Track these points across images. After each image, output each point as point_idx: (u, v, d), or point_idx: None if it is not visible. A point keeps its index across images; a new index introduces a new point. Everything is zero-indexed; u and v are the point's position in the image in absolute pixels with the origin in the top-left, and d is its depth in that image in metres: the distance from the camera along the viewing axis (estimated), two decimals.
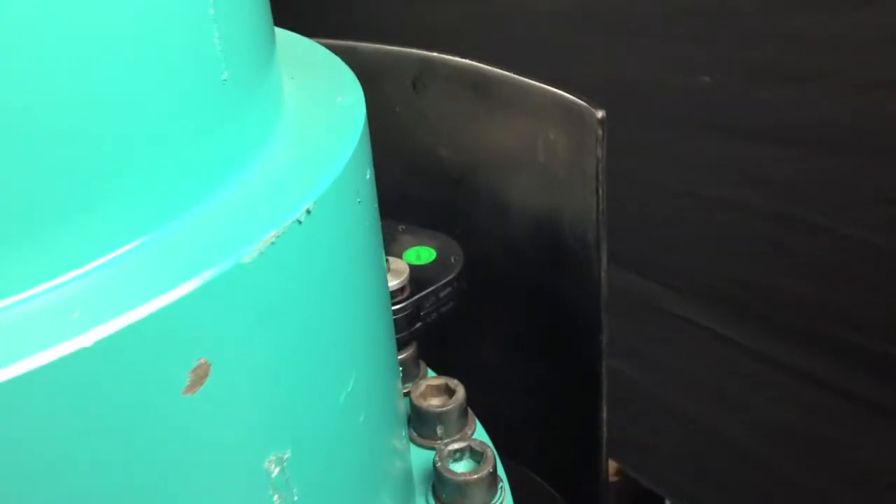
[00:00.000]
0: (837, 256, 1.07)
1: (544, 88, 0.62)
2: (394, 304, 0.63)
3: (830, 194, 1.05)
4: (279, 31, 0.53)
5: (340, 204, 0.38)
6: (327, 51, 0.51)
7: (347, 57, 0.77)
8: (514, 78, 0.65)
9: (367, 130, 0.45)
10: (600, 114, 0.58)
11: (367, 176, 0.42)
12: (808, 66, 0.97)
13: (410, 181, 0.77)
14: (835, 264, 1.08)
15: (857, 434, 1.15)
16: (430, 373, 0.69)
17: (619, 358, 1.37)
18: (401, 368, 0.67)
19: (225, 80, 0.35)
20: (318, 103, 0.43)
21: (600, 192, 0.60)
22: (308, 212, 0.35)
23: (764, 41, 0.99)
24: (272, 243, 0.33)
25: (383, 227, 0.73)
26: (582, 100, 0.59)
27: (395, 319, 0.63)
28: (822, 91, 0.98)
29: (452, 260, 0.67)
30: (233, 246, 0.32)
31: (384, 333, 0.48)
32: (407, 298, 0.64)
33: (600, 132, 0.58)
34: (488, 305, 0.77)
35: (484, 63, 0.67)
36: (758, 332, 1.20)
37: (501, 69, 0.66)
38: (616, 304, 1.35)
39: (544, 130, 0.64)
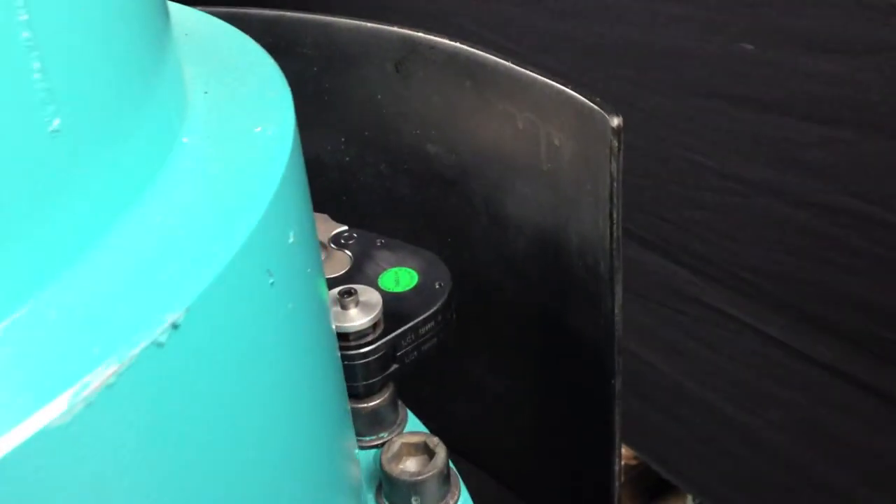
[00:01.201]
0: (888, 251, 0.95)
1: (548, 84, 0.50)
2: (363, 346, 0.52)
3: (882, 181, 0.93)
4: (204, 17, 0.42)
5: (236, 296, 0.27)
6: (257, 47, 0.40)
7: (320, 34, 0.65)
8: (512, 68, 0.53)
9: (297, 168, 0.33)
10: (616, 121, 0.46)
11: (290, 239, 0.31)
12: (863, 38, 0.83)
13: (396, 178, 0.66)
14: (884, 259, 0.96)
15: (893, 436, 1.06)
16: (411, 419, 0.58)
17: (640, 343, 1.27)
18: (369, 417, 0.56)
19: (55, 131, 0.24)
20: (228, 139, 0.32)
21: (615, 216, 0.49)
22: (175, 326, 0.24)
23: (814, 8, 0.85)
24: (108, 386, 0.22)
25: (359, 240, 0.63)
26: (594, 102, 0.48)
27: (364, 363, 0.53)
28: (877, 67, 0.85)
29: (437, 286, 0.56)
30: (39, 399, 0.21)
31: (322, 412, 0.37)
32: (380, 337, 0.53)
33: (616, 143, 0.46)
34: (488, 326, 0.66)
35: (478, 48, 0.55)
36: (791, 325, 1.09)
37: (498, 56, 0.54)
38: (640, 287, 1.25)
39: (548, 134, 0.52)
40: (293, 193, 0.32)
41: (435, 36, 0.57)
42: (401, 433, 0.57)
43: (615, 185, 0.48)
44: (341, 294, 0.52)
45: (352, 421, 0.48)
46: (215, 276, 0.26)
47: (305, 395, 0.34)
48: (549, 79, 0.50)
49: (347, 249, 0.59)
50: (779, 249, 1.05)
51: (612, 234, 0.49)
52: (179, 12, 0.44)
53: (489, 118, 0.56)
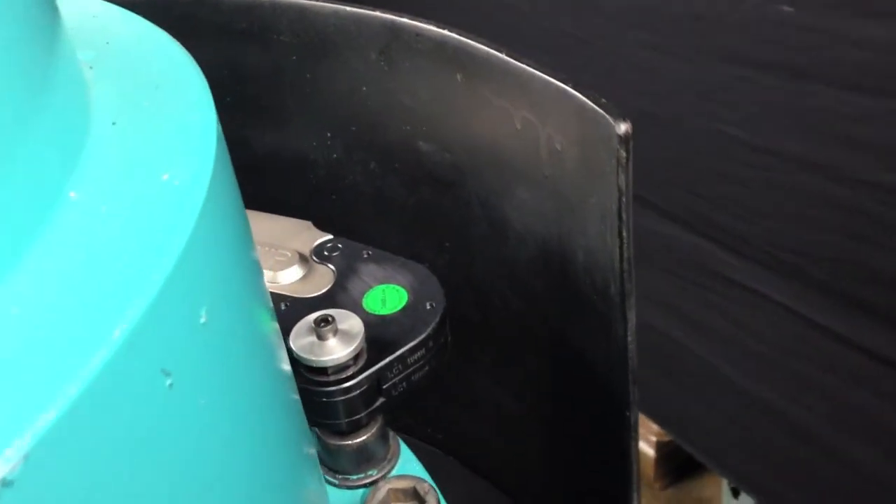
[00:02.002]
0: None
1: (547, 81, 0.43)
2: (343, 381, 0.46)
3: None
4: (135, 21, 0.35)
5: (109, 416, 0.21)
6: (188, 59, 0.33)
7: (296, 19, 0.59)
8: (506, 62, 0.46)
9: (217, 222, 0.27)
10: (623, 128, 0.39)
11: (202, 319, 0.25)
12: None
13: (387, 177, 0.60)
14: None
15: None
16: (404, 452, 0.53)
17: (668, 320, 1.20)
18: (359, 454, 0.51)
19: None
20: (127, 191, 0.26)
21: (625, 234, 0.42)
22: (3, 483, 0.18)
23: None
24: None
25: (343, 251, 0.57)
26: (598, 104, 0.40)
27: (346, 399, 0.47)
28: None
29: (428, 307, 0.50)
30: None
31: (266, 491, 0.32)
32: (362, 369, 0.47)
33: (623, 153, 0.40)
34: (491, 337, 0.60)
35: (469, 36, 0.48)
36: (828, 305, 1.01)
37: (490, 47, 0.47)
38: (667, 262, 1.18)
39: (548, 136, 0.45)
40: (209, 257, 0.26)
41: (421, 22, 0.50)
42: (390, 472, 0.51)
43: (624, 199, 0.41)
44: (318, 323, 0.46)
45: (316, 475, 0.42)
46: (72, 400, 0.20)
47: (237, 486, 0.28)
48: (548, 75, 0.43)
49: (331, 263, 0.53)
50: (816, 227, 0.97)
51: (622, 254, 0.42)
52: (107, 14, 0.37)
53: (484, 115, 0.49)
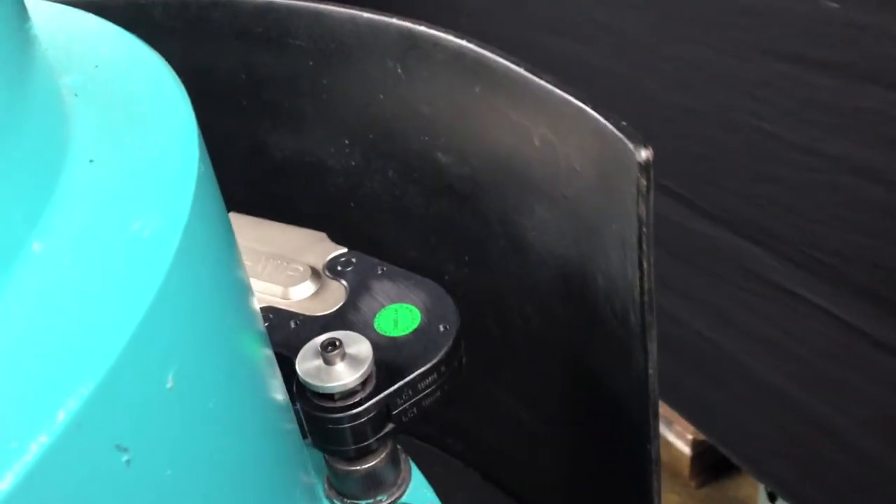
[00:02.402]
0: None
1: (565, 99, 0.41)
2: (351, 408, 0.45)
3: None
4: (126, 41, 0.34)
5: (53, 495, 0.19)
6: (175, 83, 0.31)
7: (313, 24, 0.57)
8: (525, 77, 0.43)
9: (190, 275, 0.25)
10: (644, 155, 0.37)
11: (168, 384, 0.23)
12: None
13: (405, 187, 0.58)
14: None
15: None
16: (415, 476, 0.51)
17: (704, 320, 1.17)
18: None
19: None
20: (94, 242, 0.24)
21: (645, 265, 0.39)
22: None
23: None
24: None
25: (357, 267, 0.55)
26: (619, 127, 0.38)
27: (353, 427, 0.45)
28: None
29: (441, 329, 0.48)
30: None
31: None
32: (371, 395, 0.45)
33: (644, 182, 0.37)
34: (511, 353, 0.58)
35: (487, 48, 0.46)
36: (870, 311, 0.98)
37: (509, 60, 0.44)
38: (705, 262, 1.14)
39: (567, 156, 0.43)
40: (179, 316, 0.24)
41: (439, 31, 0.48)
42: (400, 497, 0.49)
43: (644, 229, 0.38)
44: (325, 347, 0.45)
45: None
46: (5, 493, 0.18)
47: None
48: (568, 93, 0.41)
49: (344, 278, 0.52)
50: (857, 230, 0.93)
51: (642, 285, 0.40)
52: (101, 33, 0.36)
53: (502, 130, 0.47)
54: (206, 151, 0.31)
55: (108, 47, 0.34)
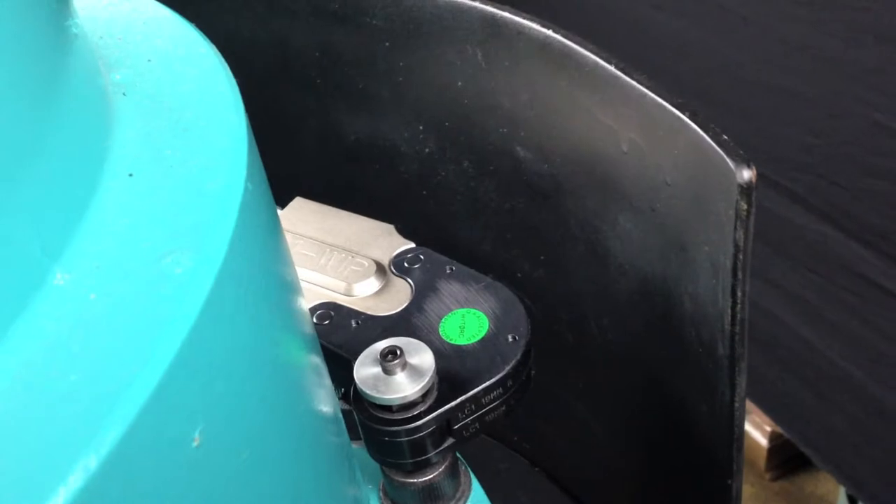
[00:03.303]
0: None
1: (660, 105, 0.37)
2: (409, 421, 0.42)
3: None
4: (188, 36, 0.31)
5: None
6: (229, 88, 0.29)
7: (390, 4, 0.53)
8: (616, 76, 0.39)
9: (223, 318, 0.23)
10: (746, 175, 0.33)
11: (194, 443, 0.21)
12: None
13: (481, 180, 0.54)
14: None
15: None
16: (475, 491, 0.48)
17: (799, 317, 1.11)
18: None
19: None
20: (122, 277, 0.22)
21: (739, 294, 0.35)
22: None
23: None
24: None
25: (424, 264, 0.52)
26: (720, 142, 0.34)
27: (411, 440, 0.43)
28: None
29: (510, 340, 0.45)
30: None
31: None
32: (431, 409, 0.42)
33: (744, 206, 0.33)
34: (585, 363, 0.55)
35: (576, 40, 0.42)
36: None
37: (599, 56, 0.40)
38: (803, 257, 1.08)
39: (658, 166, 0.39)
40: (211, 365, 0.22)
41: (524, 18, 0.44)
42: None
43: (741, 256, 0.34)
44: (384, 355, 0.42)
45: None
46: None
47: None
48: (663, 98, 0.37)
49: (410, 276, 0.49)
50: None
51: (734, 315, 0.36)
52: (159, 22, 0.33)
53: (587, 129, 0.43)
54: (256, 160, 0.28)
55: (165, 38, 0.32)
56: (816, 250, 1.04)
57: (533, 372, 0.46)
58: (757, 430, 1.55)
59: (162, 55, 0.31)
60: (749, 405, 1.39)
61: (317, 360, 0.34)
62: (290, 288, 0.29)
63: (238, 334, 0.23)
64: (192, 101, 0.28)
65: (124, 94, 0.29)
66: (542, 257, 0.53)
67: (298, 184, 0.61)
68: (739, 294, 0.35)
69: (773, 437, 1.52)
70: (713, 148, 0.34)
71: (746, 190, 0.32)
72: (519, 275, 0.55)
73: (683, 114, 0.35)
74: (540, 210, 0.51)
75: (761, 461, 1.56)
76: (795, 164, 1.01)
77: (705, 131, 0.34)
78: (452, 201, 0.57)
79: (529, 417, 0.64)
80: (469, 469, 0.49)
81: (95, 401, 0.19)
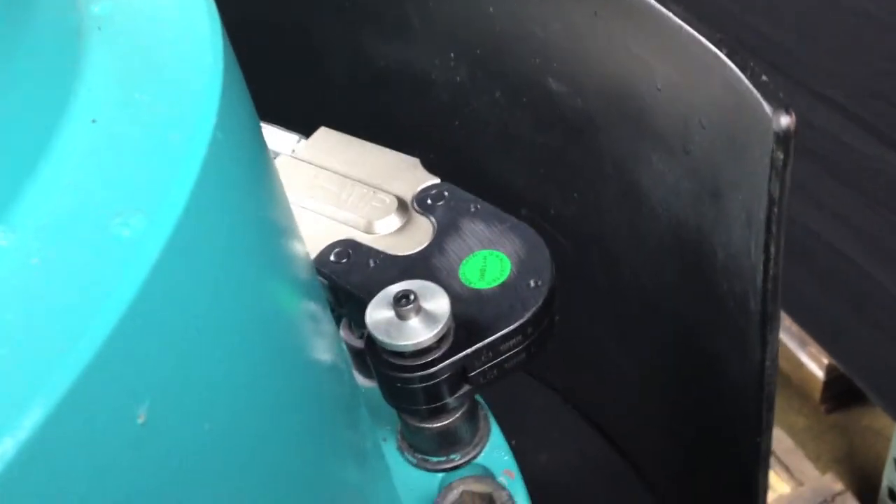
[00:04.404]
0: None
1: (696, 39, 0.34)
2: (422, 368, 0.40)
3: None
4: None
5: None
6: (208, 18, 0.26)
7: None
8: (650, 5, 0.36)
9: (177, 284, 0.21)
10: (784, 121, 0.29)
11: (139, 419, 0.19)
12: None
13: (513, 111, 0.51)
14: None
15: None
16: (494, 436, 0.47)
17: (863, 251, 1.07)
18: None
19: None
20: (67, 241, 0.20)
21: (773, 250, 0.33)
22: None
23: None
24: None
25: (448, 201, 0.49)
26: (758, 84, 0.31)
27: (425, 387, 0.41)
28: None
29: (532, 284, 0.42)
30: None
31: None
32: (446, 355, 0.41)
33: (780, 155, 0.30)
34: (617, 301, 0.52)
35: None
36: None
37: None
38: (871, 187, 1.02)
39: (692, 106, 0.36)
40: (159, 333, 0.20)
41: None
42: (475, 458, 0.46)
43: (776, 209, 0.31)
44: (398, 299, 0.40)
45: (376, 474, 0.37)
46: None
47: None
48: (699, 32, 0.33)
49: (433, 214, 0.47)
50: None
51: (767, 271, 0.33)
52: None
53: (620, 63, 0.40)
54: (236, 103, 0.26)
55: None
56: (884, 181, 0.98)
57: (556, 318, 0.44)
58: (814, 362, 1.51)
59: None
60: (806, 337, 1.35)
61: (313, 309, 0.32)
62: (275, 239, 0.28)
63: (196, 301, 0.21)
64: (169, 38, 0.26)
65: (100, 29, 0.27)
66: (574, 194, 0.50)
67: (324, 110, 0.59)
68: (773, 250, 0.32)
69: (829, 370, 1.48)
70: (750, 90, 0.31)
71: (784, 139, 0.29)
72: (552, 211, 0.53)
73: (721, 50, 0.32)
74: (573, 146, 0.48)
75: (817, 393, 1.52)
76: (868, 90, 0.94)
77: (743, 70, 0.31)
78: (484, 133, 0.54)
79: (563, 355, 0.62)
80: (490, 414, 0.48)
81: (21, 378, 0.17)
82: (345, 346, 0.43)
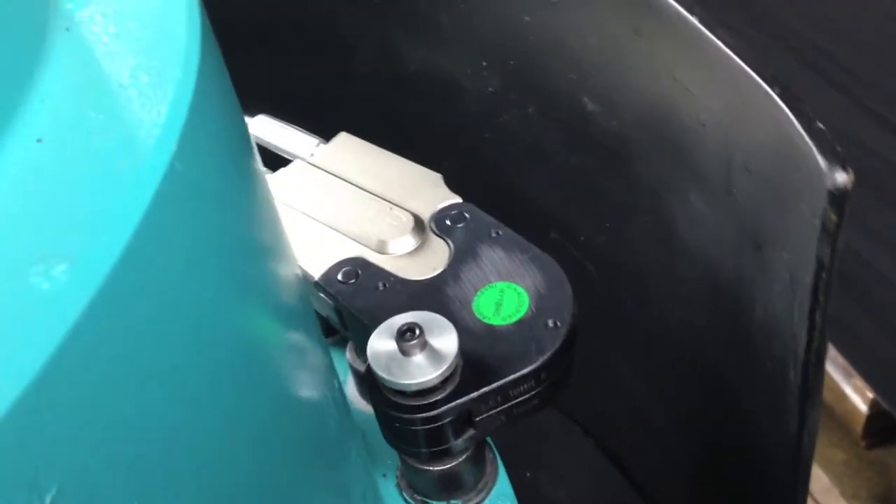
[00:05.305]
0: None
1: (747, 74, 0.30)
2: (424, 409, 0.37)
3: None
4: None
5: None
6: (193, 42, 0.23)
7: None
8: (699, 31, 0.32)
9: (110, 343, 0.18)
10: (841, 179, 0.26)
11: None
12: None
13: (546, 127, 0.48)
14: None
15: None
16: (501, 482, 0.43)
17: None
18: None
19: None
20: None
21: (818, 319, 0.29)
22: None
23: None
24: None
25: (468, 225, 0.46)
26: (811, 133, 0.27)
27: (427, 430, 0.38)
28: None
29: (550, 325, 0.39)
30: None
31: None
32: (451, 397, 0.37)
33: (834, 218, 0.26)
34: (646, 336, 0.49)
35: None
36: None
37: (681, 5, 0.33)
38: None
39: (739, 148, 0.32)
40: (75, 405, 0.17)
41: None
42: None
43: (825, 276, 0.27)
44: (402, 332, 0.37)
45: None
46: None
47: None
48: (750, 65, 0.29)
49: (451, 237, 0.43)
50: None
51: (810, 341, 0.29)
52: None
53: (662, 89, 0.36)
54: (206, 126, 0.23)
55: None
56: None
57: (573, 362, 0.40)
58: (858, 395, 1.45)
59: None
60: (850, 369, 1.30)
61: (294, 344, 0.29)
62: (249, 273, 0.24)
63: (127, 364, 0.18)
64: (141, 47, 0.23)
65: (68, 30, 0.24)
66: (606, 223, 0.47)
67: (347, 108, 0.56)
68: (818, 319, 0.28)
69: (873, 405, 1.42)
70: (803, 138, 0.27)
71: (838, 199, 0.25)
72: (582, 238, 0.49)
73: (773, 89, 0.28)
74: (606, 170, 0.44)
75: (859, 428, 1.46)
76: None
77: (797, 115, 0.27)
78: (514, 147, 0.50)
79: (585, 386, 0.59)
80: (498, 456, 0.45)
81: None
82: (337, 382, 0.39)
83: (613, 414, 0.58)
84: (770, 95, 0.28)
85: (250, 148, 0.28)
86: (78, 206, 0.19)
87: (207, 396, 0.22)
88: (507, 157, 0.51)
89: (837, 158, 0.25)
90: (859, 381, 1.44)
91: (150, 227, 0.18)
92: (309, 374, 0.30)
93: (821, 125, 0.26)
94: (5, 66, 0.21)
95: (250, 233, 0.25)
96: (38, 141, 0.20)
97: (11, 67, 0.22)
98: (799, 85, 0.75)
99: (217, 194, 0.23)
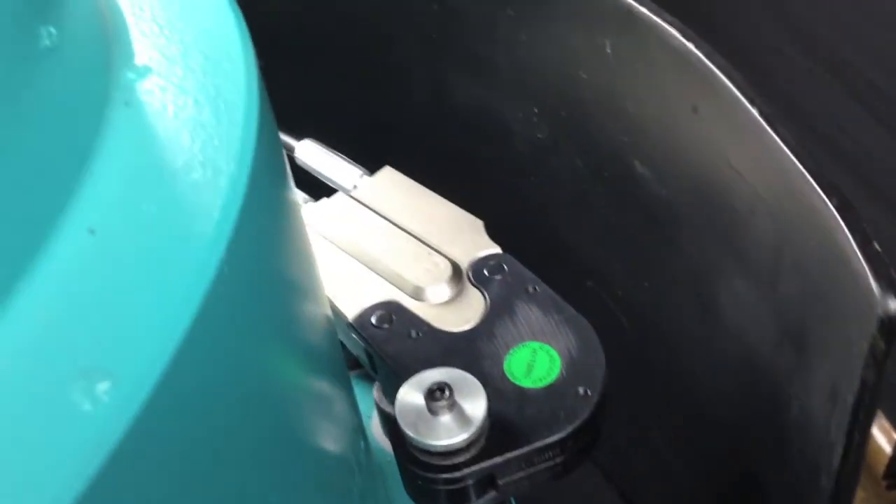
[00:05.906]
0: None
1: (804, 177, 0.29)
2: (448, 470, 0.37)
3: None
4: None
5: None
6: (247, 135, 0.23)
7: None
8: (756, 121, 0.31)
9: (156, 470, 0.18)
10: (893, 307, 0.25)
11: None
12: None
13: (593, 182, 0.47)
14: None
15: None
16: None
17: None
18: None
19: None
20: (32, 407, 0.17)
21: (856, 437, 0.28)
22: None
23: None
24: None
25: (505, 278, 0.45)
26: (865, 251, 0.26)
27: (448, 490, 0.38)
28: None
29: (581, 392, 0.38)
30: None
31: None
32: (475, 460, 0.37)
33: (882, 346, 0.25)
34: (679, 404, 0.48)
35: (724, 64, 0.34)
36: None
37: (749, 90, 0.32)
38: None
39: (790, 245, 0.31)
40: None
41: (663, 19, 0.36)
42: None
43: (867, 398, 0.27)
44: (432, 391, 0.37)
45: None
46: None
47: None
48: (808, 168, 0.29)
49: (487, 289, 0.43)
50: None
51: (846, 456, 0.29)
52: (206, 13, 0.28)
53: (714, 169, 0.36)
54: (259, 221, 0.23)
55: (204, 19, 0.26)
56: None
57: (600, 434, 0.40)
58: (882, 435, 1.43)
59: (195, 43, 0.26)
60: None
61: (323, 415, 0.29)
62: (295, 355, 0.24)
63: (164, 484, 0.18)
64: (198, 127, 0.23)
65: (127, 105, 0.24)
66: (645, 283, 0.46)
67: (393, 135, 0.56)
68: (857, 438, 0.28)
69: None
70: (857, 257, 0.26)
71: (889, 328, 0.25)
72: (619, 293, 0.49)
73: (830, 199, 0.28)
74: (650, 234, 0.43)
75: (880, 467, 1.45)
76: None
77: (853, 231, 0.26)
78: (559, 196, 0.50)
79: (610, 437, 0.58)
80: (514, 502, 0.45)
81: None
82: (364, 443, 0.39)
83: (638, 470, 0.58)
84: (828, 206, 0.28)
85: (297, 221, 0.28)
86: (124, 312, 0.19)
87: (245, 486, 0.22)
88: (551, 203, 0.51)
89: (892, 286, 0.25)
90: (887, 422, 1.42)
91: (195, 337, 0.18)
92: (330, 439, 0.30)
93: (877, 247, 0.26)
94: (63, 146, 0.21)
95: (294, 314, 0.25)
96: (91, 232, 0.20)
97: (69, 146, 0.22)
98: (847, 120, 0.73)
99: (263, 285, 0.23)
